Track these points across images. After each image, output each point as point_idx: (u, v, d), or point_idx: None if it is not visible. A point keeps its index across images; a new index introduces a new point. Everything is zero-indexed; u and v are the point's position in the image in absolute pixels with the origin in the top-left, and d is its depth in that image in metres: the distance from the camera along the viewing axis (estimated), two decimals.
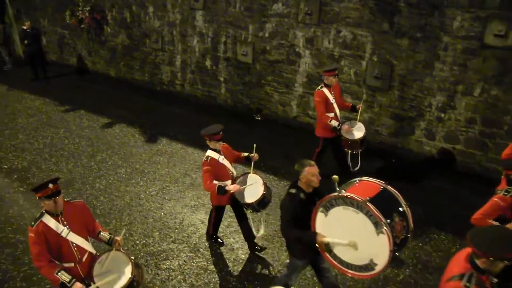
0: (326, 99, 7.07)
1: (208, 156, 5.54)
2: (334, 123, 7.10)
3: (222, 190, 5.40)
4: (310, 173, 4.42)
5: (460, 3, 7.43)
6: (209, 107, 11.24)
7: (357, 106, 7.35)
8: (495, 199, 4.81)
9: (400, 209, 4.06)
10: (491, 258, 3.19)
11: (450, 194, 7.42)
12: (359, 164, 7.54)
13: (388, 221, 3.81)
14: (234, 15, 10.13)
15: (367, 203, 3.82)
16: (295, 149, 8.83)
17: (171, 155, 8.85)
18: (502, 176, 5.17)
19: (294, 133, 9.74)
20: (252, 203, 5.57)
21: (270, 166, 8.23)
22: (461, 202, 6.99)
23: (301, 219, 4.38)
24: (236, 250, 6.21)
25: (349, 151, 7.43)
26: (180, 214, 6.98)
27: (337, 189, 4.11)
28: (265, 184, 5.69)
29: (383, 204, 3.92)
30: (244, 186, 5.67)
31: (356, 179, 4.33)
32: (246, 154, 5.88)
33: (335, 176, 4.21)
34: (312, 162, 4.53)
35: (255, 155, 5.82)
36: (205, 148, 5.71)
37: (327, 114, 7.10)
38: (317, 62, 9.22)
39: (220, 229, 6.46)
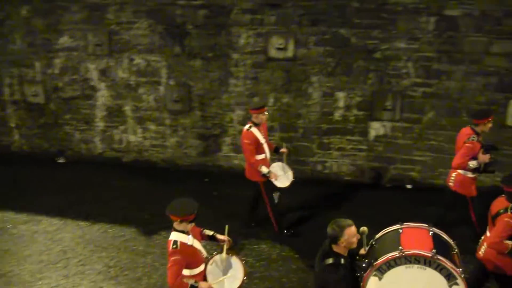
0: (256, 140, 6.28)
1: (176, 242, 4.23)
2: (265, 169, 6.33)
3: None
4: (351, 235, 3.71)
5: (242, 22, 7.84)
6: (2, 157, 9.93)
7: (281, 150, 6.70)
8: (506, 219, 4.51)
9: (454, 251, 3.95)
10: None
11: None
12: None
13: (460, 269, 3.66)
14: (16, 52, 9.16)
15: (438, 257, 3.61)
16: (105, 187, 8.28)
17: None
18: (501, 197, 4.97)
19: (102, 170, 9.12)
20: None
21: (80, 211, 7.54)
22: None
23: None
24: None
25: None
26: None
27: (373, 243, 3.95)
28: (244, 265, 4.60)
29: (444, 251, 3.72)
30: (223, 278, 4.46)
31: (398, 227, 4.04)
32: (211, 232, 4.70)
33: (364, 228, 3.85)
34: (350, 221, 3.77)
35: (227, 240, 4.58)
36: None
37: (257, 157, 6.33)
38: (115, 93, 8.85)
39: None
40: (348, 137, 8.04)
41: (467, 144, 5.89)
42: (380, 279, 3.77)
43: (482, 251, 4.67)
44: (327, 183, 8.11)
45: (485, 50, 7.28)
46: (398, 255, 3.67)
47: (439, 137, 7.69)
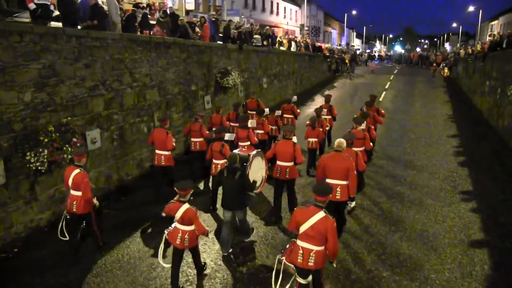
0: None
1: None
2: None
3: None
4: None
5: None
6: None
7: None
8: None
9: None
10: None
11: None
12: None
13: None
14: None
15: (259, 150, 9.50)
16: None
17: None
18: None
19: None
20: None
21: None
22: None
23: None
24: None
25: None
26: None
27: (252, 153, 9.09)
28: None
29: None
30: None
31: (235, 151, 9.50)
32: None
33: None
34: (234, 151, 9.21)
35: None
36: None
37: None
38: None
39: None
40: None
41: None
42: (250, 168, 8.61)
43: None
44: None
45: None
46: (253, 155, 8.95)
47: None
